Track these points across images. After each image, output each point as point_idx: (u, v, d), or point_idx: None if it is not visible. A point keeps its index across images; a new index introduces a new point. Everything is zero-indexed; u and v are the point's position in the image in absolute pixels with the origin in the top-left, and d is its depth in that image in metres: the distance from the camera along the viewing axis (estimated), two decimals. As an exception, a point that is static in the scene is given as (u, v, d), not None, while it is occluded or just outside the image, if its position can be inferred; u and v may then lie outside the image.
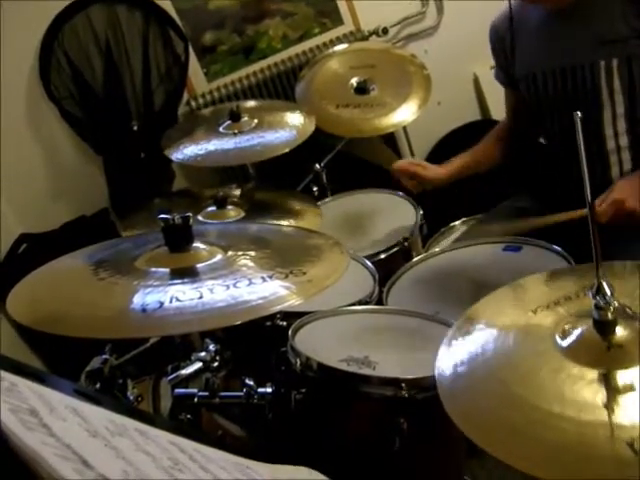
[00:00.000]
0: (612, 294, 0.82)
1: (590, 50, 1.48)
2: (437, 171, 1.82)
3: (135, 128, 2.48)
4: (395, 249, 1.75)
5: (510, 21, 1.59)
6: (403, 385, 1.08)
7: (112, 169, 2.53)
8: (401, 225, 1.85)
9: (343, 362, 1.15)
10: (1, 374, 0.50)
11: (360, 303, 1.44)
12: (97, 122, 2.47)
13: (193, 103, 2.58)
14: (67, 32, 2.40)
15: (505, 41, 1.68)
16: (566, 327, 0.87)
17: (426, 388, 1.05)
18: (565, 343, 0.85)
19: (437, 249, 1.68)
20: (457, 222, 2.06)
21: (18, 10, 2.30)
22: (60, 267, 1.08)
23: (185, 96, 2.60)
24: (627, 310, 0.85)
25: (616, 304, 0.82)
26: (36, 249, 2.35)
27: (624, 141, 1.53)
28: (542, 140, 1.82)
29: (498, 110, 2.74)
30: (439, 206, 1.96)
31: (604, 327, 0.82)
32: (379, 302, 1.48)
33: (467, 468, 1.20)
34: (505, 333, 0.92)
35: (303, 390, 1.16)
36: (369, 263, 1.62)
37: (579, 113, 0.85)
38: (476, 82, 2.92)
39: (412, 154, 2.90)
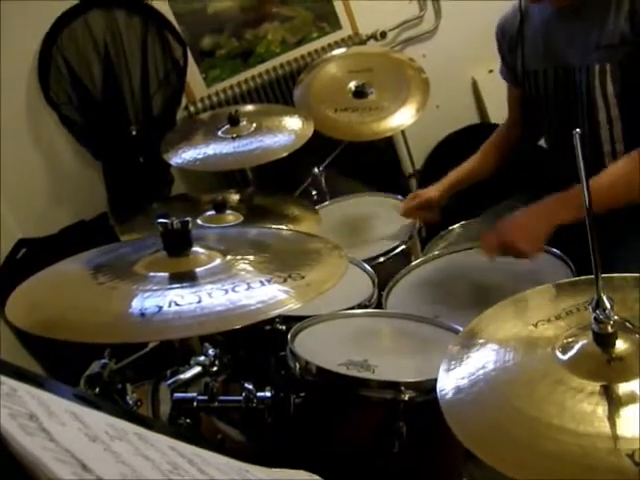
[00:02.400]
0: (612, 307, 0.82)
1: (586, 53, 1.49)
2: (430, 194, 1.85)
3: (134, 133, 2.48)
4: (394, 252, 1.75)
5: (520, 17, 1.61)
6: (402, 388, 1.08)
7: (111, 174, 2.53)
8: (400, 228, 1.86)
9: (342, 366, 1.15)
10: (1, 379, 0.50)
11: (359, 307, 1.44)
12: (96, 127, 2.48)
13: (192, 108, 2.59)
14: (66, 37, 2.41)
15: (512, 38, 1.69)
16: (567, 340, 0.88)
17: (425, 391, 1.05)
18: (566, 356, 0.86)
19: (436, 252, 1.68)
20: (456, 225, 2.06)
21: (17, 15, 2.31)
22: (59, 272, 1.08)
23: (184, 101, 2.61)
24: (627, 323, 0.86)
25: (616, 317, 0.82)
26: (35, 254, 2.35)
27: (620, 147, 1.53)
28: (543, 142, 1.82)
29: (496, 113, 2.76)
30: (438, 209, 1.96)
31: (604, 340, 0.83)
32: (378, 306, 1.48)
33: (465, 471, 1.20)
34: (506, 347, 0.92)
35: (302, 394, 1.16)
36: (368, 267, 1.62)
37: (579, 130, 0.85)
38: (474, 85, 2.93)
39: (411, 158, 2.90)
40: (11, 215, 2.45)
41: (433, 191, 1.87)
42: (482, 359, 0.92)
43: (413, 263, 1.63)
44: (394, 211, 1.93)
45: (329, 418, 1.18)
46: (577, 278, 1.16)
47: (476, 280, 1.50)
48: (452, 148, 2.84)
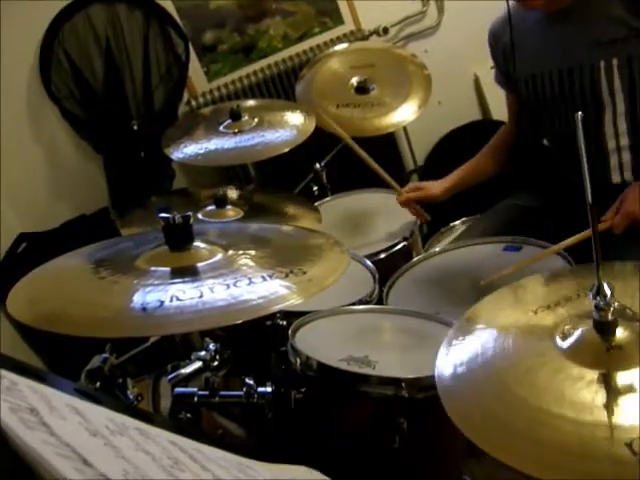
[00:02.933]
0: (612, 295, 0.82)
1: (589, 51, 1.48)
2: (433, 190, 1.84)
3: (135, 127, 2.48)
4: (395, 249, 1.75)
5: (509, 23, 1.59)
6: (403, 384, 1.08)
7: (112, 168, 2.53)
8: (401, 225, 1.85)
9: (343, 361, 1.15)
10: (1, 373, 0.50)
11: (360, 303, 1.43)
12: (97, 121, 2.47)
13: (193, 102, 2.58)
14: (67, 31, 2.40)
15: (504, 44, 1.68)
16: (566, 328, 0.87)
17: (426, 388, 1.05)
18: (565, 344, 0.85)
19: (437, 249, 1.68)
20: (457, 222, 2.06)
21: (18, 10, 2.30)
22: (60, 266, 1.08)
23: (185, 95, 2.60)
24: (627, 311, 0.85)
25: (616, 305, 0.82)
26: (36, 248, 2.35)
27: (625, 141, 1.53)
28: (545, 142, 1.82)
29: (498, 110, 2.75)
30: (439, 206, 1.96)
31: (604, 328, 0.82)
32: (379, 302, 1.48)
33: (466, 467, 1.20)
34: (505, 333, 0.92)
35: (303, 389, 1.16)
36: (369, 263, 1.62)
37: (580, 113, 0.85)
38: (476, 82, 2.92)
39: (412, 154, 2.90)
40: (12, 209, 2.45)
41: (436, 189, 1.85)
42: (481, 346, 0.91)
43: (414, 259, 1.63)
44: (395, 207, 1.93)
45: (330, 413, 1.18)
46: (577, 266, 1.16)
47: (477, 276, 1.50)
48: (454, 144, 2.84)
